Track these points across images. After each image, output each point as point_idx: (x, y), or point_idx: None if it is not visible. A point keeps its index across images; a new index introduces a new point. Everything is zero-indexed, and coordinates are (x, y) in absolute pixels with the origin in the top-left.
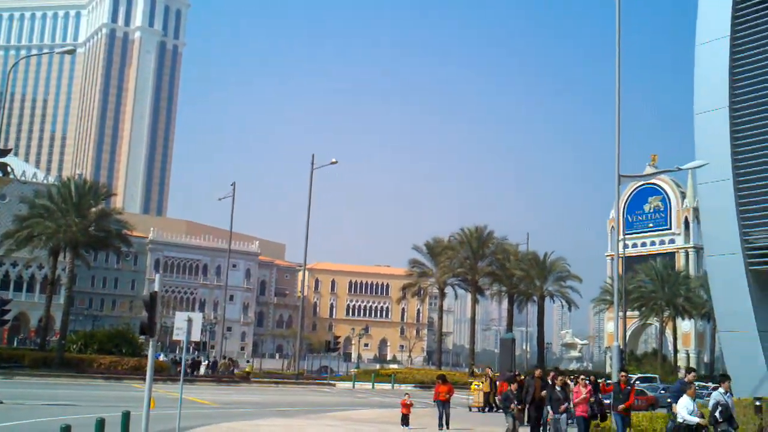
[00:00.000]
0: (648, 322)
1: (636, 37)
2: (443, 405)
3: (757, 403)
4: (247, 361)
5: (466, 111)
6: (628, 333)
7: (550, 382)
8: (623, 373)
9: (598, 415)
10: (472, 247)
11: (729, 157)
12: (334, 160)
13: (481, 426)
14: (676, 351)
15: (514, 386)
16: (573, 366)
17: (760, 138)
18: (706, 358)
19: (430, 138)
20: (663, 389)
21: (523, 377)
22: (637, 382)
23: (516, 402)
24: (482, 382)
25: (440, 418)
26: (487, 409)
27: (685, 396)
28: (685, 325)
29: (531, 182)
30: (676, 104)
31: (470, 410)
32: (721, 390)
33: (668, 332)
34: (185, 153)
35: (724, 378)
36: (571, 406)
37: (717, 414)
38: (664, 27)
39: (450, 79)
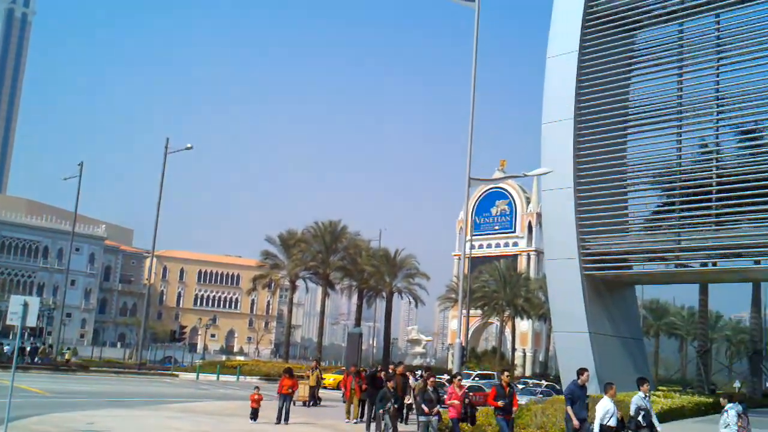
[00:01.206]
0: (489, 321)
1: (495, 43)
2: (285, 399)
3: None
4: (68, 348)
5: (324, 104)
6: (471, 330)
7: (417, 381)
8: (506, 373)
9: (469, 418)
10: (325, 241)
11: (572, 166)
12: (189, 145)
13: (322, 419)
14: (513, 349)
15: (390, 384)
16: (417, 361)
17: (600, 150)
18: (541, 357)
19: (288, 131)
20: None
21: (364, 371)
22: (476, 378)
23: (393, 401)
24: (308, 376)
25: (279, 412)
26: (311, 402)
27: (606, 399)
28: (524, 325)
29: (386, 181)
30: (529, 113)
31: (294, 404)
32: (640, 394)
33: (508, 331)
34: (33, 130)
35: (643, 381)
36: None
37: (640, 419)
38: (523, 36)
39: (310, 71)
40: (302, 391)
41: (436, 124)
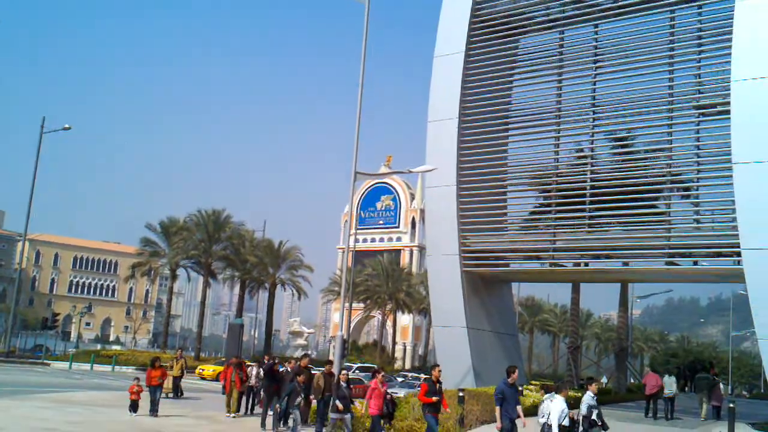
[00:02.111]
0: (371, 314)
1: (385, 39)
2: (155, 390)
3: (461, 394)
4: None
5: (215, 94)
6: (353, 324)
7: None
8: (438, 368)
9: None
10: (208, 230)
11: (455, 165)
12: (67, 125)
13: (199, 411)
14: (394, 343)
15: (301, 379)
16: (298, 353)
17: (482, 150)
18: (420, 351)
19: (176, 119)
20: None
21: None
22: (357, 371)
23: (303, 396)
24: (172, 366)
25: (151, 404)
26: (171, 395)
27: (560, 399)
28: (405, 319)
29: (273, 172)
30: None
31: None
32: (590, 393)
33: (389, 325)
34: None
35: (592, 380)
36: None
37: (594, 417)
38: (413, 33)
39: (199, 61)
40: (167, 382)
41: (324, 117)
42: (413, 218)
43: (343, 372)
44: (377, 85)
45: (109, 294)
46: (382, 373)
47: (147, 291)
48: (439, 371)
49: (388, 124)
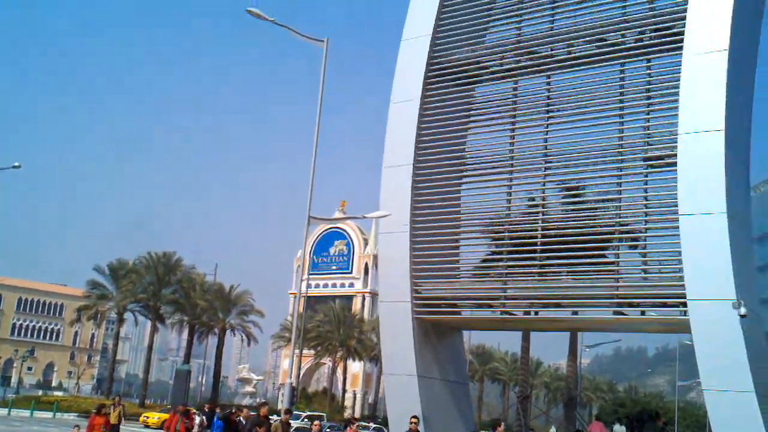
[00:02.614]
0: (322, 361)
1: (344, 83)
2: None
3: None
4: None
5: (166, 133)
6: (303, 371)
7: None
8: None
9: None
10: (158, 272)
11: (408, 211)
12: (17, 164)
13: None
14: (344, 391)
15: (261, 430)
16: (247, 401)
17: (436, 197)
18: (370, 399)
19: (128, 156)
20: (329, 427)
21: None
22: (305, 419)
23: None
24: (109, 413)
25: None
26: None
27: None
28: (355, 366)
29: (227, 214)
30: (371, 155)
31: None
32: None
33: (339, 372)
34: None
35: (497, 422)
36: None
37: None
38: (370, 79)
39: (153, 99)
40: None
41: (279, 161)
42: (366, 264)
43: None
44: (333, 129)
45: (53, 338)
46: (356, 424)
47: (93, 335)
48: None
49: (343, 168)
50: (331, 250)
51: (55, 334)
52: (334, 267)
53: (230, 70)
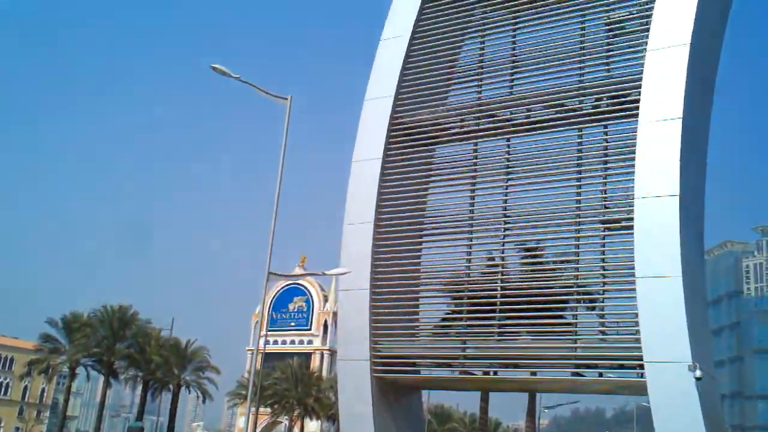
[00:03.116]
0: (279, 420)
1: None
2: None
3: None
4: None
5: (122, 188)
6: (259, 429)
7: None
8: None
9: None
10: (113, 326)
11: (368, 269)
12: None
13: None
14: None
15: None
16: None
17: (397, 255)
18: None
19: (85, 209)
20: None
21: None
22: None
23: None
24: None
25: None
26: None
27: None
28: (313, 425)
29: (185, 269)
30: (333, 212)
31: None
32: None
33: (296, 431)
34: None
35: None
36: None
37: None
38: (332, 136)
39: (109, 149)
40: None
41: (239, 215)
42: (326, 321)
43: None
44: (294, 184)
45: (1, 392)
46: None
47: (43, 389)
48: None
49: (305, 224)
50: (290, 307)
51: (3, 388)
52: (292, 323)
53: (192, 120)
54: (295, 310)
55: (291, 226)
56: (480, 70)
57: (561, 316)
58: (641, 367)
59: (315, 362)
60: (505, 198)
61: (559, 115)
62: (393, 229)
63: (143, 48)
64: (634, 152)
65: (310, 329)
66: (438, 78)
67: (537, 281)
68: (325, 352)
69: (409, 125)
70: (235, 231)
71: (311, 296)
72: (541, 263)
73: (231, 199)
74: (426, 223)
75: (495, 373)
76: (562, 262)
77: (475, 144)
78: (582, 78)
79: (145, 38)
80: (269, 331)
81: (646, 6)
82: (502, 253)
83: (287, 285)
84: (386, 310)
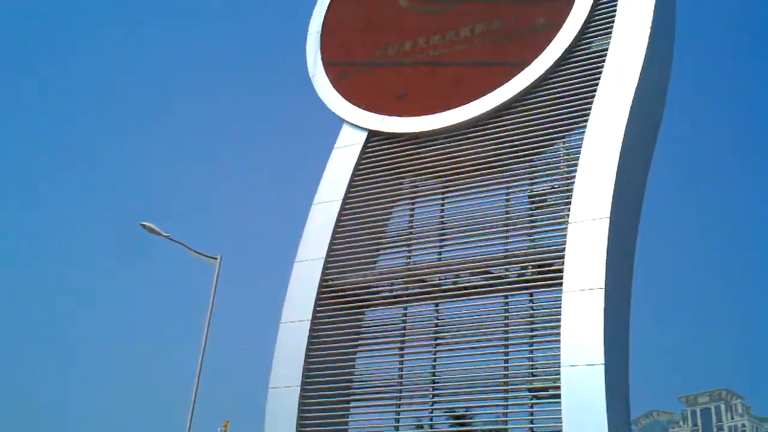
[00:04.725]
0: None
1: (231, 302)
2: None
3: None
4: None
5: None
6: None
7: None
8: None
9: None
10: None
11: None
12: None
13: None
14: None
15: None
16: None
17: (322, 421)
18: None
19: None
20: None
21: None
22: None
23: None
24: None
25: None
26: None
27: None
28: None
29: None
30: (257, 375)
31: None
32: None
33: None
34: None
35: None
36: None
37: None
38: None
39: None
40: None
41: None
42: None
43: None
44: (219, 344)
45: None
46: None
47: None
48: None
49: (228, 387)
50: None
51: None
52: None
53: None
54: None
55: (216, 388)
56: (409, 236)
57: None
58: None
59: None
60: (434, 363)
61: (485, 282)
62: (320, 393)
63: None
64: (559, 320)
65: None
66: (368, 242)
67: None
68: None
69: (339, 288)
70: (160, 392)
71: None
72: (470, 431)
73: (157, 349)
74: (354, 387)
75: None
76: (490, 430)
77: (405, 308)
78: (507, 247)
79: None
80: None
81: (567, 181)
82: (431, 420)
83: None
84: None
